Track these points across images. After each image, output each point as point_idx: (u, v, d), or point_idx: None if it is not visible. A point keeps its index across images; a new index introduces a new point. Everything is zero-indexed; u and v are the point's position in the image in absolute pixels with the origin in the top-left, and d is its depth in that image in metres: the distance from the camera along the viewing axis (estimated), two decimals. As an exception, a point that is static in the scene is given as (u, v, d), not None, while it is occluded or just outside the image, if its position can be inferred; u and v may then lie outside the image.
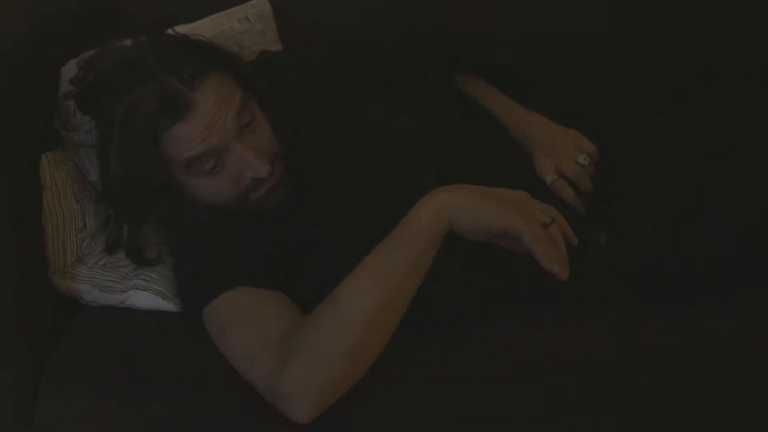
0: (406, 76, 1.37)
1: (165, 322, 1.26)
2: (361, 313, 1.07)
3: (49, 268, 1.28)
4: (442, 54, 1.40)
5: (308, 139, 1.28)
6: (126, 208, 1.26)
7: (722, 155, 1.21)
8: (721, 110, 1.28)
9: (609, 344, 1.16)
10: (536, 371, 1.14)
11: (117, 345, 1.22)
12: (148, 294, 1.26)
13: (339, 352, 1.06)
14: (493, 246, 1.11)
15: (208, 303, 1.16)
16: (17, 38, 1.31)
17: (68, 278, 1.27)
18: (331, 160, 1.27)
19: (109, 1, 1.51)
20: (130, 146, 1.16)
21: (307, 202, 1.23)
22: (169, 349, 1.21)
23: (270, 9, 1.54)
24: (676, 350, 1.16)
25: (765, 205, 1.17)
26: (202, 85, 1.15)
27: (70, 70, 1.33)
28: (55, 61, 1.37)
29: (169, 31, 1.31)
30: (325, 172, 1.26)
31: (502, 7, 1.56)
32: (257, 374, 1.09)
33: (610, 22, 1.56)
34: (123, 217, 1.28)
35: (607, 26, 1.56)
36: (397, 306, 1.09)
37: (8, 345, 1.19)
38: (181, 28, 1.37)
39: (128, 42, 1.24)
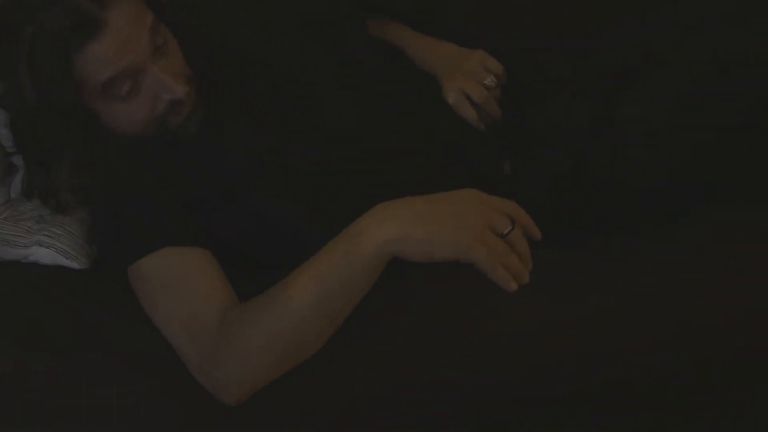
0: (319, 13, 1.36)
1: (69, 278, 1.22)
2: (302, 314, 1.05)
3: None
4: None
5: (219, 64, 1.26)
6: (41, 145, 1.22)
7: (634, 78, 1.19)
8: (650, 25, 1.27)
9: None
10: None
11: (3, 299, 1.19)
12: (51, 251, 1.22)
13: (277, 350, 1.05)
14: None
15: (132, 263, 1.14)
16: None
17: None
18: (244, 86, 1.25)
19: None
20: (42, 70, 1.13)
21: (222, 127, 1.21)
22: (54, 308, 1.18)
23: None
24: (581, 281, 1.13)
25: (674, 130, 1.14)
26: (113, 4, 1.12)
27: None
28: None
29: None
30: (238, 98, 1.24)
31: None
32: (191, 352, 1.08)
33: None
34: (38, 155, 1.23)
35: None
36: (333, 318, 1.08)
37: None
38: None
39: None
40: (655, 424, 1.14)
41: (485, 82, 1.30)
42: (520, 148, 1.26)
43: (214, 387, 1.06)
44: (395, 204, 1.07)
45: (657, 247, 1.15)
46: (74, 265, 1.22)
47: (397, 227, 1.05)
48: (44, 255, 1.23)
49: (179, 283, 1.12)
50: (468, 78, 1.30)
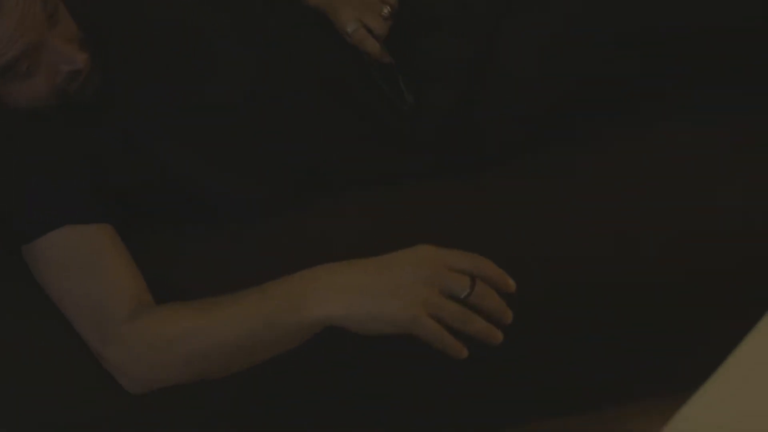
0: None
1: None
2: (223, 343, 1.02)
3: None
4: None
5: (109, 20, 1.22)
6: None
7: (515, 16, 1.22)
8: None
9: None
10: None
11: None
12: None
13: (193, 366, 1.03)
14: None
15: (30, 242, 1.09)
16: None
17: None
18: (137, 40, 1.21)
19: None
20: None
21: (120, 85, 1.18)
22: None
23: None
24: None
25: (557, 62, 1.19)
26: None
27: None
28: None
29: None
30: (132, 53, 1.20)
31: None
32: (93, 339, 1.05)
33: None
34: None
35: None
36: (252, 356, 1.04)
37: None
38: None
39: None
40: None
41: (383, 12, 1.23)
42: (419, 80, 1.24)
43: (114, 374, 1.04)
44: (342, 271, 1.01)
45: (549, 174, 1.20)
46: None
47: (341, 304, 0.98)
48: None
49: (84, 267, 1.07)
50: (366, 9, 1.23)
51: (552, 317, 1.18)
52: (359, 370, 1.12)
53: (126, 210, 1.13)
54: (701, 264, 1.19)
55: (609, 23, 1.17)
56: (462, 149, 1.22)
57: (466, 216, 1.18)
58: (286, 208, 1.18)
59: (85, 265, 1.07)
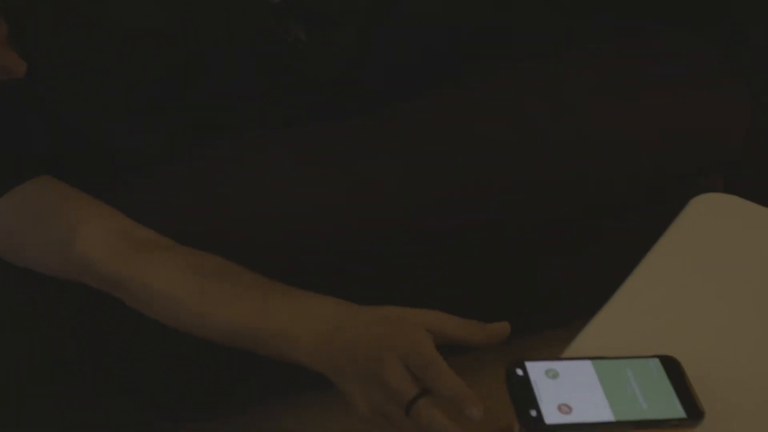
0: None
1: None
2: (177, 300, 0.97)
3: None
4: None
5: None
6: None
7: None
8: None
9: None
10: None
11: None
12: None
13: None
14: None
15: None
16: None
17: None
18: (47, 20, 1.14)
19: None
20: None
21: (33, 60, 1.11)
22: None
23: None
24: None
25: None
26: None
27: None
28: None
29: None
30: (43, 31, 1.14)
31: None
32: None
33: None
34: None
35: None
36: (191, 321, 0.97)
37: None
38: None
39: None
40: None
41: None
42: (312, 21, 1.24)
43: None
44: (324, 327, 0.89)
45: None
46: None
47: (308, 352, 0.88)
48: None
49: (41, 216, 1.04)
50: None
51: (453, 252, 1.27)
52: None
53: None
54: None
55: None
56: (361, 90, 1.25)
57: (369, 150, 1.23)
58: (188, 153, 1.18)
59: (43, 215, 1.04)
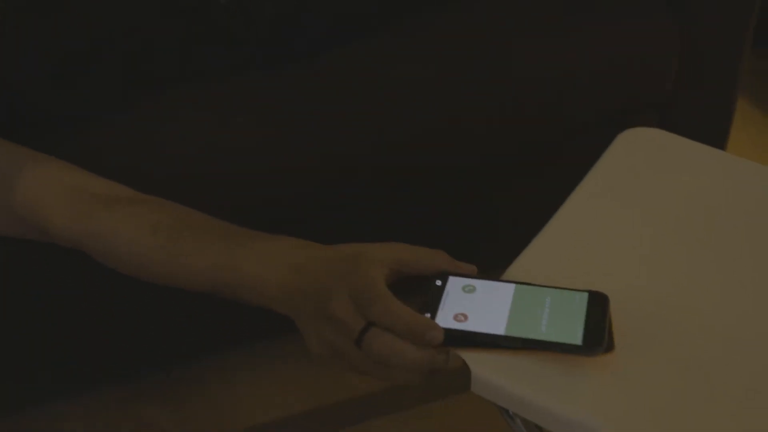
0: None
1: None
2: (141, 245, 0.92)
3: None
4: None
5: None
6: None
7: None
8: None
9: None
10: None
11: None
12: None
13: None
14: None
15: None
16: None
17: None
18: None
19: None
20: None
21: None
22: None
23: None
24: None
25: None
26: None
27: None
28: None
29: None
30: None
31: None
32: None
33: None
34: None
35: None
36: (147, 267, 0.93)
37: None
38: None
39: None
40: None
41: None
42: None
43: None
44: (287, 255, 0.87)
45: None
46: None
47: (273, 295, 0.86)
48: None
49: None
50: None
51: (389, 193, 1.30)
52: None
53: None
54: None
55: None
56: (289, 42, 1.25)
57: (301, 99, 1.25)
58: (118, 109, 1.19)
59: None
